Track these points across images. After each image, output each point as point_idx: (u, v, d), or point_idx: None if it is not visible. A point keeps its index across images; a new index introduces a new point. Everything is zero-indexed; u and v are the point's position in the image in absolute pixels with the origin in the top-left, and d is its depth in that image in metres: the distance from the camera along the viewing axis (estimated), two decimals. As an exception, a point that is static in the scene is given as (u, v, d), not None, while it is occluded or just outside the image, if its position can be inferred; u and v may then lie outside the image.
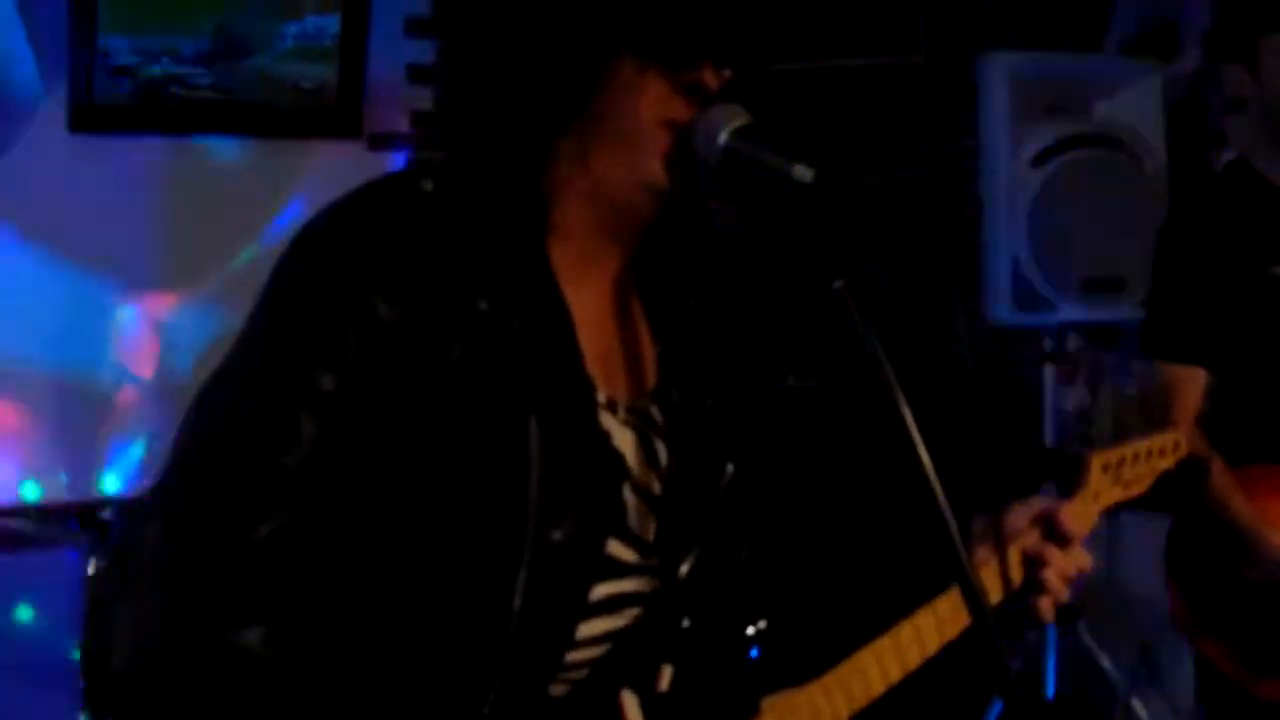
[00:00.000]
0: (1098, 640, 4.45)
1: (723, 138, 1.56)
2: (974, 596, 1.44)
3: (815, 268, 1.46)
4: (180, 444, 1.50)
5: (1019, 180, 4.35)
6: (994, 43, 5.16)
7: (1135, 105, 4.47)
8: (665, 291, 1.76)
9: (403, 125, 5.18)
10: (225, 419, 1.50)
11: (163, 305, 4.74)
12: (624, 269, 1.70)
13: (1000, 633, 1.52)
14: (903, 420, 1.41)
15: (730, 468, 1.74)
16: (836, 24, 5.16)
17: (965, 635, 1.70)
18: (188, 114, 4.73)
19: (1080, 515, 1.95)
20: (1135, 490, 2.11)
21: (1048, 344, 4.78)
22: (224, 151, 4.86)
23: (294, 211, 4.91)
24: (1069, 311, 4.41)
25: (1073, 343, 4.97)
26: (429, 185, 1.58)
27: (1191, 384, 2.99)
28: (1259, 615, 2.91)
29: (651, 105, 1.58)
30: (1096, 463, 2.03)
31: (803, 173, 1.50)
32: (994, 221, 4.46)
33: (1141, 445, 2.10)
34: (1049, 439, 4.71)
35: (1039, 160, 4.32)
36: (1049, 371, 4.76)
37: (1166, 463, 2.15)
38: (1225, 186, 3.08)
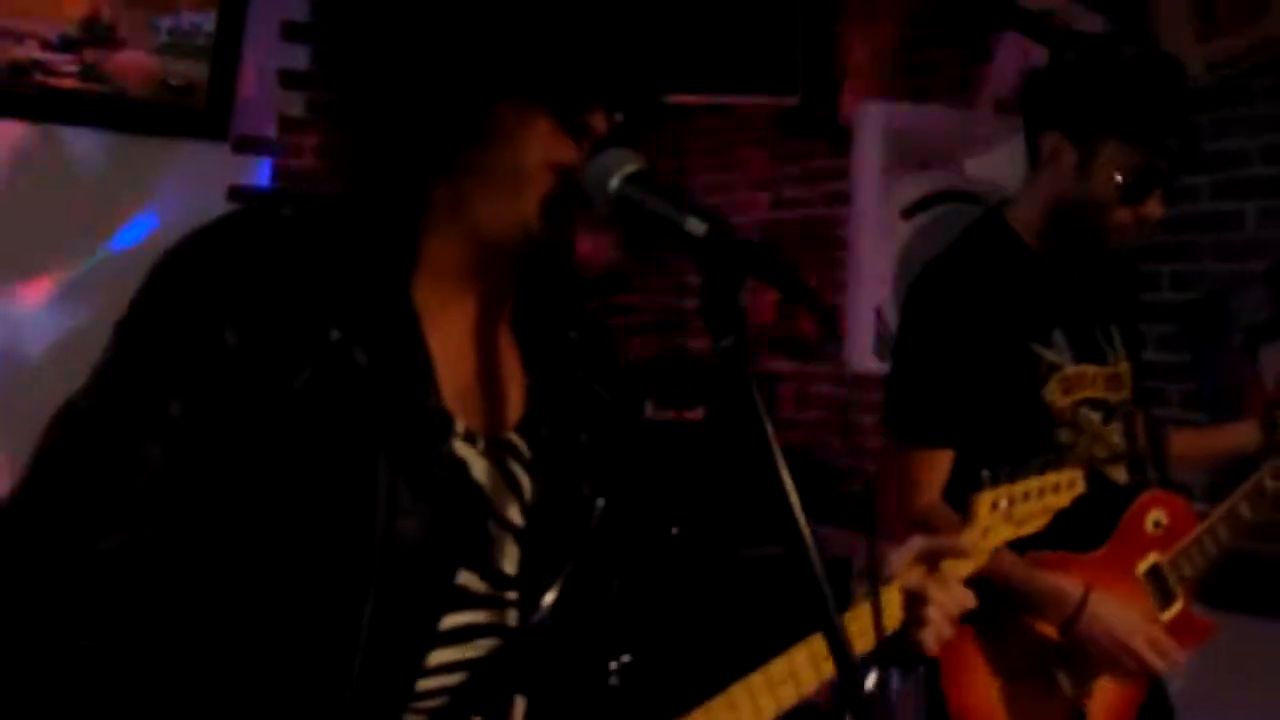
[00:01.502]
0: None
1: (614, 184, 1.53)
2: (836, 640, 1.43)
3: (705, 323, 1.44)
4: (30, 464, 1.50)
5: (887, 230, 4.40)
6: (869, 91, 5.25)
7: (1005, 162, 4.54)
8: (540, 323, 1.75)
9: (270, 130, 5.11)
10: (74, 439, 1.49)
11: (8, 295, 4.61)
12: (497, 303, 1.69)
13: (888, 664, 1.51)
14: (781, 481, 1.39)
15: (601, 502, 1.74)
16: (716, 59, 5.19)
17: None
18: (50, 102, 4.61)
19: (967, 549, 1.97)
20: (1029, 528, 2.12)
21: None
22: (85, 143, 4.74)
23: (152, 210, 4.82)
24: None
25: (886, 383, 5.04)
26: (288, 212, 1.58)
27: (938, 469, 2.81)
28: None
29: (536, 148, 1.56)
30: (985, 500, 2.04)
31: (695, 225, 1.46)
32: (858, 269, 4.50)
33: (1034, 483, 2.11)
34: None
35: (908, 213, 4.37)
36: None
37: (1062, 500, 2.16)
38: (979, 251, 2.93)
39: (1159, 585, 2.92)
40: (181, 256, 1.53)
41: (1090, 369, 2.90)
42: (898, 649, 1.90)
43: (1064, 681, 2.81)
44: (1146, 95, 2.76)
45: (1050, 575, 2.77)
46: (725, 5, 5.22)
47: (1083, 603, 2.74)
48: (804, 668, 1.78)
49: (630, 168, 1.54)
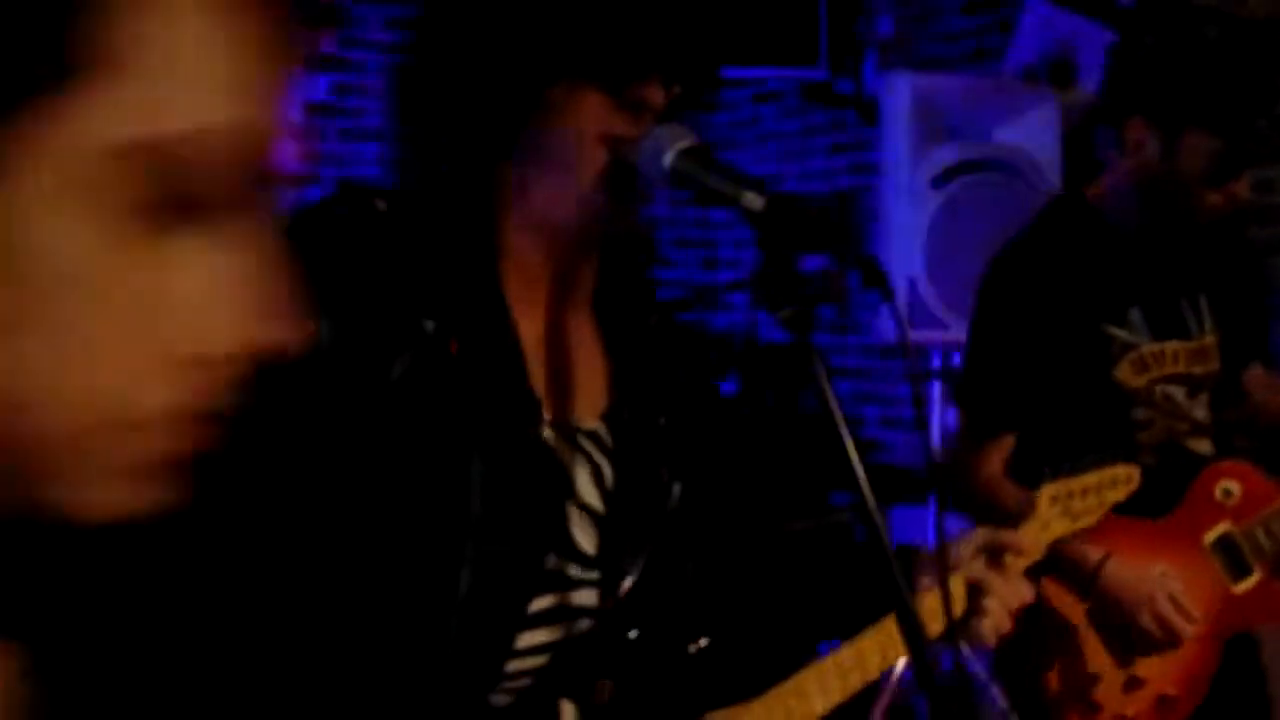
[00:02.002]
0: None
1: (669, 159, 1.55)
2: (910, 623, 1.43)
3: (762, 294, 1.45)
4: None
5: (917, 200, 4.39)
6: (894, 61, 5.24)
7: (1033, 131, 4.53)
8: (621, 311, 1.77)
9: (294, 113, 5.11)
10: None
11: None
12: (577, 290, 1.71)
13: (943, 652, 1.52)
14: (847, 450, 1.40)
15: (678, 487, 1.76)
16: (739, 32, 5.18)
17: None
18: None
19: (1027, 545, 1.97)
20: (1085, 522, 2.13)
21: (936, 361, 4.84)
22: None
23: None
24: (960, 331, 4.45)
25: (958, 361, 5.04)
26: (382, 205, 1.60)
27: (995, 453, 2.85)
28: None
29: (593, 124, 1.58)
30: (1045, 494, 2.06)
31: (753, 200, 1.47)
32: (889, 239, 4.50)
33: (1092, 478, 2.12)
34: (936, 453, 4.76)
35: (937, 181, 4.36)
36: (937, 387, 4.82)
37: (1118, 495, 2.17)
38: (1056, 233, 2.94)
39: (1231, 556, 2.89)
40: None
41: (1171, 345, 2.88)
42: (957, 638, 1.91)
43: (1116, 643, 2.82)
44: (1229, 82, 2.73)
45: (1075, 543, 2.71)
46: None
47: (1099, 568, 2.75)
48: (871, 654, 1.80)
49: (684, 143, 1.55)
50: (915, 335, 4.49)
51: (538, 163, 1.60)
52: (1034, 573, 2.77)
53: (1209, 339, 2.94)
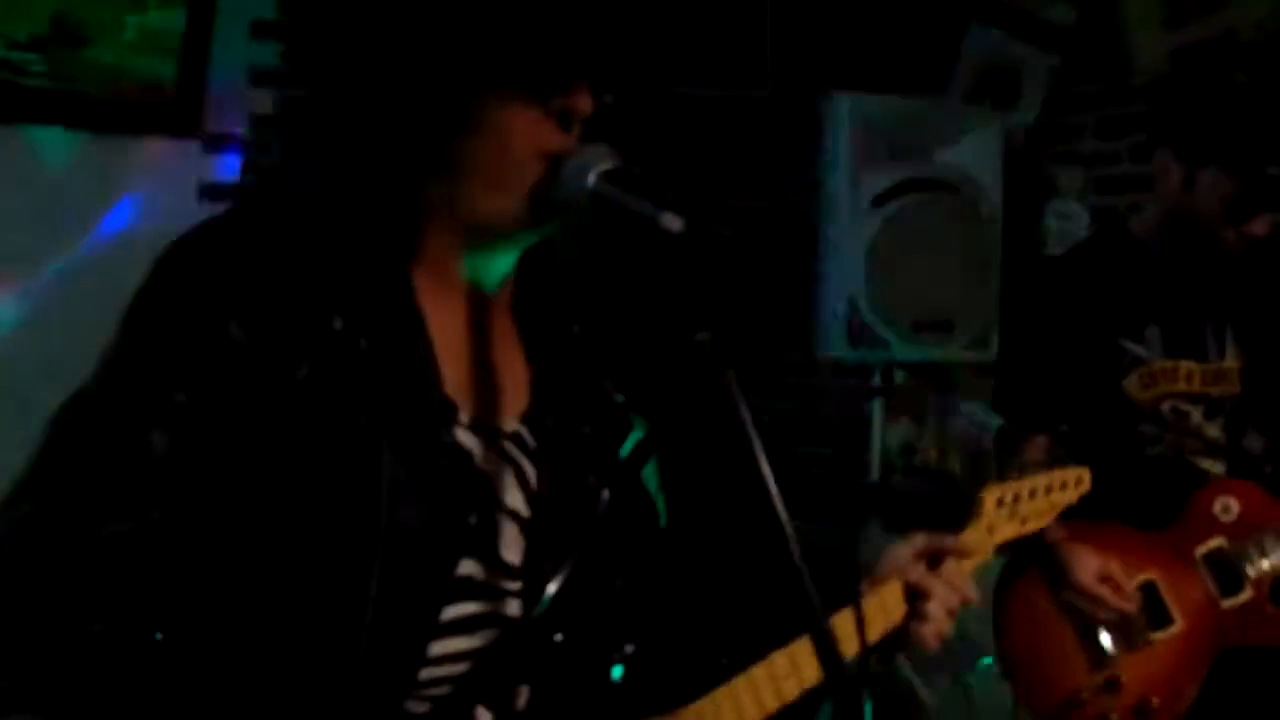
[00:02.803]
0: (917, 672, 4.53)
1: (590, 179, 1.55)
2: (822, 640, 1.44)
3: (678, 318, 1.44)
4: (37, 451, 1.52)
5: (859, 219, 4.40)
6: (840, 82, 5.25)
7: (975, 152, 4.55)
8: (543, 316, 1.76)
9: (240, 127, 5.09)
10: (81, 428, 1.52)
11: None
12: (495, 294, 1.70)
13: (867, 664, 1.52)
14: (762, 477, 1.40)
15: (606, 493, 1.74)
16: (684, 52, 5.19)
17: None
18: (17, 101, 4.58)
19: (973, 547, 1.98)
20: (1034, 525, 2.14)
21: (875, 379, 4.85)
22: (54, 143, 4.71)
23: (123, 209, 4.79)
24: (900, 350, 4.48)
25: (899, 379, 5.06)
26: (292, 205, 1.61)
27: (1036, 451, 3.01)
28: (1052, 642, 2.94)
29: (523, 136, 1.57)
30: (991, 496, 2.06)
31: (670, 221, 1.47)
32: (831, 258, 4.51)
33: (1040, 480, 2.13)
34: (874, 472, 4.78)
35: (879, 201, 4.38)
36: (876, 406, 4.83)
37: (1068, 497, 2.18)
38: (1090, 254, 3.09)
39: (1222, 570, 2.93)
40: (186, 250, 1.56)
41: (1185, 364, 2.97)
42: (898, 643, 1.92)
43: (1095, 644, 2.86)
44: (1251, 128, 2.80)
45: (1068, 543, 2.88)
46: (694, -2, 5.22)
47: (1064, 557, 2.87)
48: (805, 662, 1.78)
49: (606, 165, 1.55)
50: (856, 354, 4.50)
51: (467, 174, 1.59)
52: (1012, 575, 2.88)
53: (1230, 364, 3.00)
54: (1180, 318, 2.99)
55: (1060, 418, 2.91)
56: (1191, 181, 2.85)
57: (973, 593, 1.93)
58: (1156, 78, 3.20)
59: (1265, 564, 2.94)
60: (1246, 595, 2.92)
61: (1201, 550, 2.93)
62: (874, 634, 1.86)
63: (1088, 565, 2.87)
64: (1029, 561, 2.97)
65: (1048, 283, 3.07)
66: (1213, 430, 2.98)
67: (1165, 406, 2.94)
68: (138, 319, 1.54)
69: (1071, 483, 2.18)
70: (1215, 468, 2.99)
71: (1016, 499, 2.09)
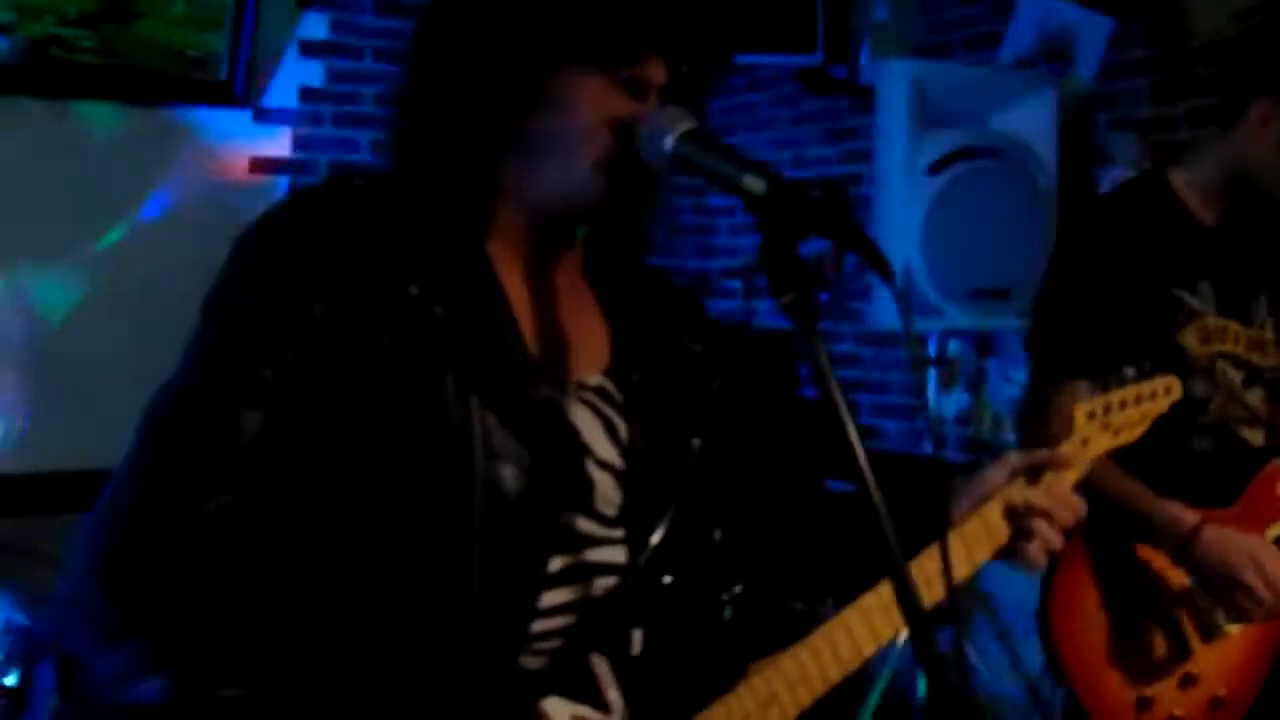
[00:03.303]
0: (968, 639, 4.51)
1: (669, 142, 1.54)
2: (906, 593, 1.42)
3: (764, 279, 1.44)
4: (134, 440, 1.54)
5: (913, 187, 4.37)
6: (890, 48, 5.21)
7: (1031, 119, 4.51)
8: (617, 277, 1.77)
9: (290, 100, 5.10)
10: (176, 412, 1.54)
11: (33, 272, 4.61)
12: (567, 258, 1.71)
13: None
14: (848, 434, 1.39)
15: (697, 442, 1.76)
16: (736, 19, 5.16)
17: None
18: (69, 77, 4.61)
19: (1069, 458, 1.94)
20: (1127, 437, 2.09)
21: (931, 349, 4.84)
22: (105, 117, 4.74)
23: (176, 181, 4.81)
24: (955, 318, 4.45)
25: (954, 348, 5.04)
26: (359, 182, 1.62)
27: (1071, 400, 2.84)
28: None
29: (594, 108, 1.57)
30: (1082, 410, 2.02)
31: (753, 183, 1.47)
32: (884, 227, 4.48)
33: (1130, 390, 2.09)
34: (928, 443, 4.76)
35: (934, 169, 4.34)
36: (931, 375, 4.81)
37: (1159, 406, 2.14)
38: (1135, 200, 2.95)
39: None
40: (263, 231, 1.58)
41: (1234, 325, 2.89)
42: (1005, 558, 1.88)
43: (1174, 638, 2.79)
44: None
45: (1168, 503, 2.76)
46: (743, -35, 5.19)
47: (1197, 529, 2.72)
48: (877, 616, 1.76)
49: (685, 125, 1.55)
50: (911, 323, 4.48)
51: (539, 146, 1.60)
52: (1123, 535, 2.78)
53: (1269, 333, 2.94)
54: (1228, 275, 2.90)
55: (1106, 365, 2.76)
56: None
57: (1081, 506, 1.88)
58: (1242, 30, 3.06)
59: None
60: None
61: (1272, 533, 2.87)
62: (982, 555, 1.83)
63: (1251, 544, 2.74)
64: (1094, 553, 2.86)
65: (1098, 224, 2.92)
66: (1253, 399, 2.91)
67: (1219, 365, 2.87)
68: (219, 304, 1.57)
69: (1161, 391, 2.14)
70: (1255, 438, 2.92)
71: (1108, 409, 2.05)
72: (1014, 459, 1.89)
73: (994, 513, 1.85)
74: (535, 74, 1.57)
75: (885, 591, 1.75)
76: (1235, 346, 2.88)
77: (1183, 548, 2.73)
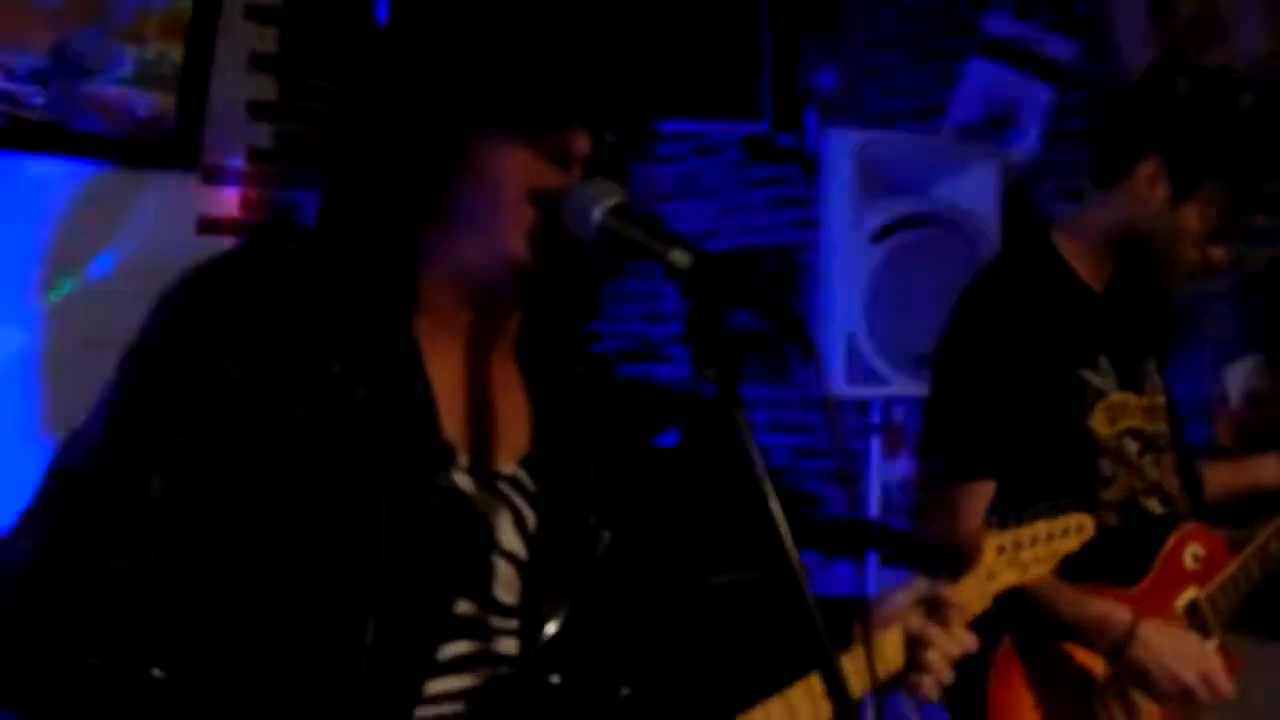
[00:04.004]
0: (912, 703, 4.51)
1: (597, 215, 1.53)
2: (835, 680, 1.43)
3: (689, 352, 1.44)
4: (35, 495, 1.52)
5: (857, 255, 4.41)
6: (836, 117, 5.27)
7: (974, 187, 4.56)
8: (546, 357, 1.75)
9: (239, 160, 5.10)
10: (82, 466, 1.51)
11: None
12: (497, 337, 1.69)
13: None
14: (772, 515, 1.39)
15: (607, 534, 1.74)
16: (681, 86, 5.20)
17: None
18: (17, 133, 4.58)
19: (972, 595, 1.95)
20: (1035, 572, 2.09)
21: (875, 416, 4.86)
22: (53, 174, 4.71)
23: (122, 241, 4.79)
24: (900, 385, 4.48)
25: (898, 414, 5.06)
26: (294, 247, 1.60)
27: (982, 498, 2.70)
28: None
29: (518, 178, 1.56)
30: (991, 544, 2.02)
31: (679, 257, 1.46)
32: (830, 294, 4.51)
33: (1041, 527, 2.08)
34: (874, 508, 4.78)
35: (878, 237, 4.38)
36: (876, 442, 4.84)
37: (1070, 545, 2.13)
38: (1026, 276, 2.86)
39: (1197, 621, 2.87)
40: (188, 289, 1.55)
41: (1131, 398, 2.87)
42: (896, 689, 1.89)
43: (1114, 713, 2.78)
44: (1260, 146, 2.74)
45: (1098, 601, 2.73)
46: (691, 30, 5.23)
47: (1131, 629, 2.69)
48: (803, 705, 1.76)
49: (612, 200, 1.53)
50: (854, 390, 4.51)
51: (463, 216, 1.58)
52: (1052, 636, 2.76)
53: (1160, 399, 2.94)
54: (1121, 345, 2.88)
55: (1015, 459, 2.68)
56: (1184, 195, 2.73)
57: (972, 642, 1.90)
58: (1141, 87, 3.00)
59: (1227, 606, 2.92)
60: (1215, 641, 2.88)
61: (1180, 604, 2.87)
62: (871, 682, 1.83)
63: (1187, 644, 2.73)
64: (1007, 635, 2.82)
65: (990, 312, 2.80)
66: (1150, 469, 2.91)
67: (1125, 442, 2.86)
68: (137, 360, 1.54)
69: (1074, 529, 2.13)
70: (1155, 507, 2.92)
71: (1017, 545, 2.05)
72: (918, 588, 1.89)
73: (892, 641, 1.85)
74: (455, 139, 1.56)
75: (812, 683, 1.75)
76: (1134, 420, 2.87)
77: (1119, 649, 2.71)
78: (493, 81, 1.56)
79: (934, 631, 1.85)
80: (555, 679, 1.66)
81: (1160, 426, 2.93)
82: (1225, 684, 2.71)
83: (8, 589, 1.47)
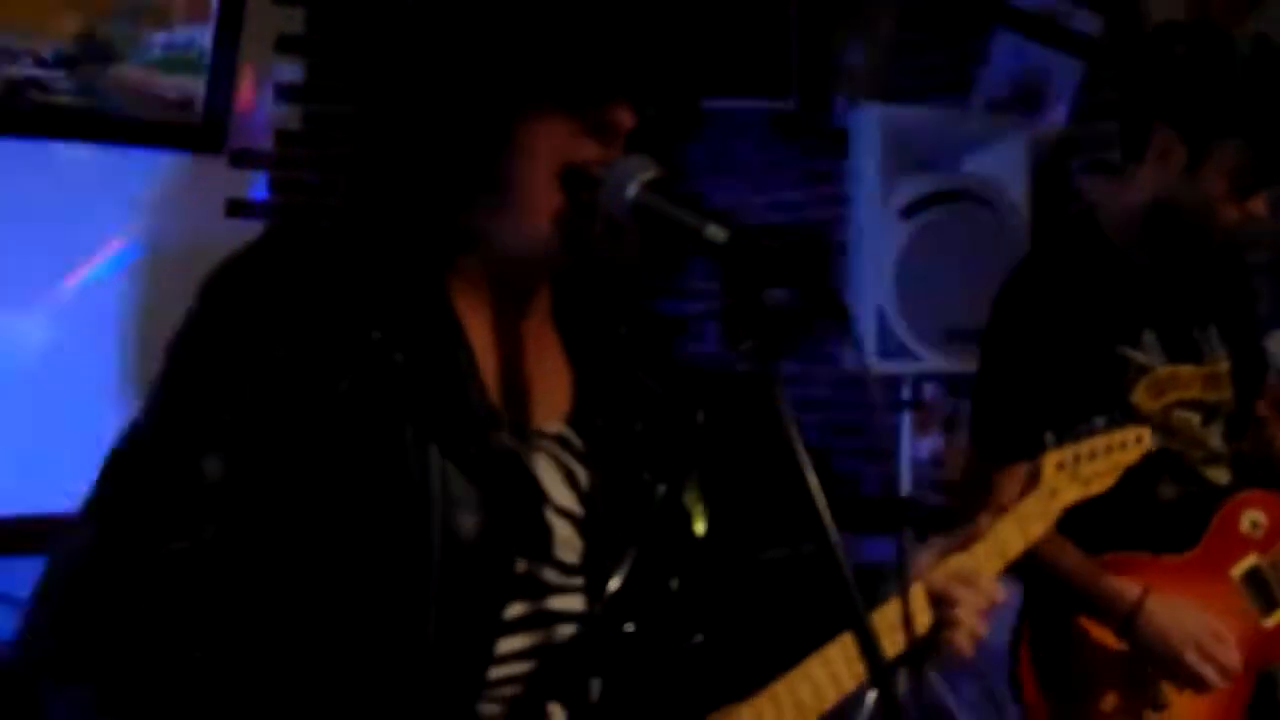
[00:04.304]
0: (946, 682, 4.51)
1: (631, 191, 1.52)
2: (869, 646, 1.42)
3: (725, 328, 1.44)
4: (93, 487, 1.54)
5: (887, 231, 4.40)
6: (864, 93, 5.25)
7: (1003, 162, 4.55)
8: (586, 320, 1.76)
9: (267, 143, 5.10)
10: (138, 457, 1.54)
11: (7, 313, 4.60)
12: (533, 303, 1.70)
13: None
14: (807, 484, 1.38)
15: (662, 488, 1.75)
16: (709, 63, 5.19)
17: None
18: (45, 119, 4.60)
19: (1036, 515, 1.95)
20: (1097, 487, 2.08)
21: (905, 392, 4.85)
22: (82, 159, 4.73)
23: (152, 224, 4.81)
24: (930, 361, 4.47)
25: (929, 391, 5.05)
26: (326, 224, 1.62)
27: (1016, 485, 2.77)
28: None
29: (557, 148, 1.55)
30: (1051, 460, 2.01)
31: (715, 232, 1.46)
32: (859, 270, 4.51)
33: (1100, 440, 2.07)
34: (905, 484, 4.77)
35: (908, 212, 4.37)
36: (906, 418, 4.83)
37: (1130, 456, 2.12)
38: (1070, 255, 2.88)
39: (1259, 589, 2.85)
40: (227, 274, 1.57)
41: (1185, 369, 2.85)
42: (930, 651, 1.88)
43: (1149, 683, 2.76)
44: (1266, 95, 2.71)
45: (1112, 577, 2.73)
46: (719, 8, 5.22)
47: (1139, 604, 2.69)
48: (840, 665, 1.76)
49: (648, 175, 1.53)
50: (885, 366, 4.50)
51: (499, 200, 1.58)
52: (1067, 612, 2.75)
53: (1222, 366, 2.91)
54: (1171, 319, 2.86)
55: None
56: (1200, 159, 2.70)
57: (1000, 593, 1.88)
58: (1141, 56, 2.96)
59: None
60: None
61: (1238, 570, 2.84)
62: (898, 644, 1.81)
63: (1191, 621, 2.71)
64: (1059, 607, 2.82)
65: (1031, 295, 2.83)
66: (1214, 439, 2.89)
67: (1174, 415, 2.84)
68: (183, 347, 1.57)
69: (1132, 441, 2.12)
70: (1220, 477, 2.90)
71: (1077, 459, 2.03)
72: (940, 544, 1.89)
73: (919, 600, 1.84)
74: (500, 116, 1.55)
75: (848, 641, 1.75)
76: (1188, 391, 2.85)
77: (1126, 623, 2.71)
78: (536, 55, 1.55)
79: (958, 587, 1.84)
80: (629, 628, 1.68)
81: (1225, 394, 2.90)
82: (1232, 663, 2.70)
83: (76, 574, 1.50)
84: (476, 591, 1.56)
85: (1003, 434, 2.79)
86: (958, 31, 5.15)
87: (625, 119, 1.57)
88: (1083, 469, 2.04)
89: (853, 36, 5.41)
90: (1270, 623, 2.83)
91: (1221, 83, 2.73)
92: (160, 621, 1.49)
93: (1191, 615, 2.74)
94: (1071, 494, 2.03)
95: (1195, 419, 2.85)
